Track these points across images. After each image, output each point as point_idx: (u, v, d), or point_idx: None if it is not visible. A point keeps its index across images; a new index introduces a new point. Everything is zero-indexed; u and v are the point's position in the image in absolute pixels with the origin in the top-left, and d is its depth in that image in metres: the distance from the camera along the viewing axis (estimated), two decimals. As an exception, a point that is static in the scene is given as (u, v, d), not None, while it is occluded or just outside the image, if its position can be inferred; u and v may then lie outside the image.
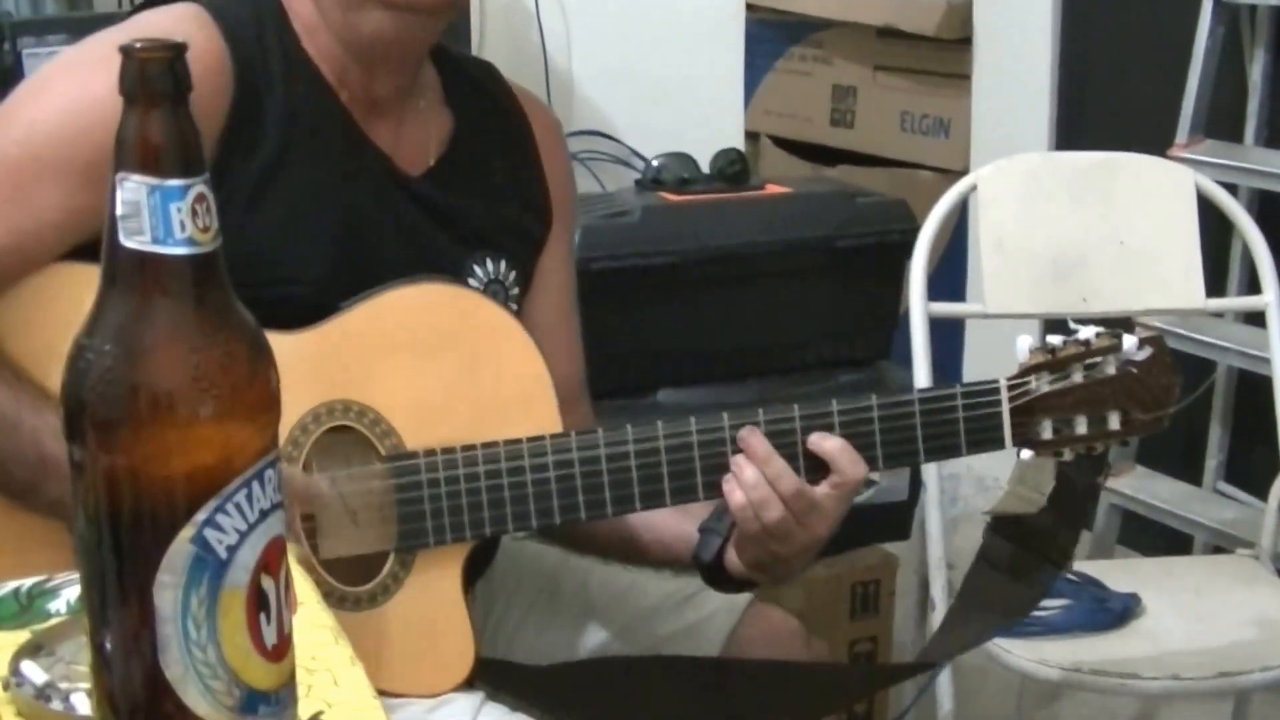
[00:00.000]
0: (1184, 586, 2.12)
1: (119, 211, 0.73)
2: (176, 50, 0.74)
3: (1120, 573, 2.12)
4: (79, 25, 2.17)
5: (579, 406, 1.66)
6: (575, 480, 1.42)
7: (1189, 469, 2.84)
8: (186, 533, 0.73)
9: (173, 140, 0.74)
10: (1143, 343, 1.47)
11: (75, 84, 1.36)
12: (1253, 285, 2.29)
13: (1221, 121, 2.75)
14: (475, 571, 1.63)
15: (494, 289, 1.55)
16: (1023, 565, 1.54)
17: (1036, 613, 1.95)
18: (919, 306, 2.16)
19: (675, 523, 1.54)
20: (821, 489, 1.43)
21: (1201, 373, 2.77)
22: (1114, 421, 1.47)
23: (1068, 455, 1.48)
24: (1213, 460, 2.86)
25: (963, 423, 1.46)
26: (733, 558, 1.49)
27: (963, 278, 3.18)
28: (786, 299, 2.43)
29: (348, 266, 1.44)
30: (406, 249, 1.49)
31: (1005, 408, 1.46)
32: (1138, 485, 2.73)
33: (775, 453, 1.42)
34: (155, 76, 0.74)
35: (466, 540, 1.43)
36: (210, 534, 0.74)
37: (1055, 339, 1.48)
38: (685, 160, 2.56)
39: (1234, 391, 2.84)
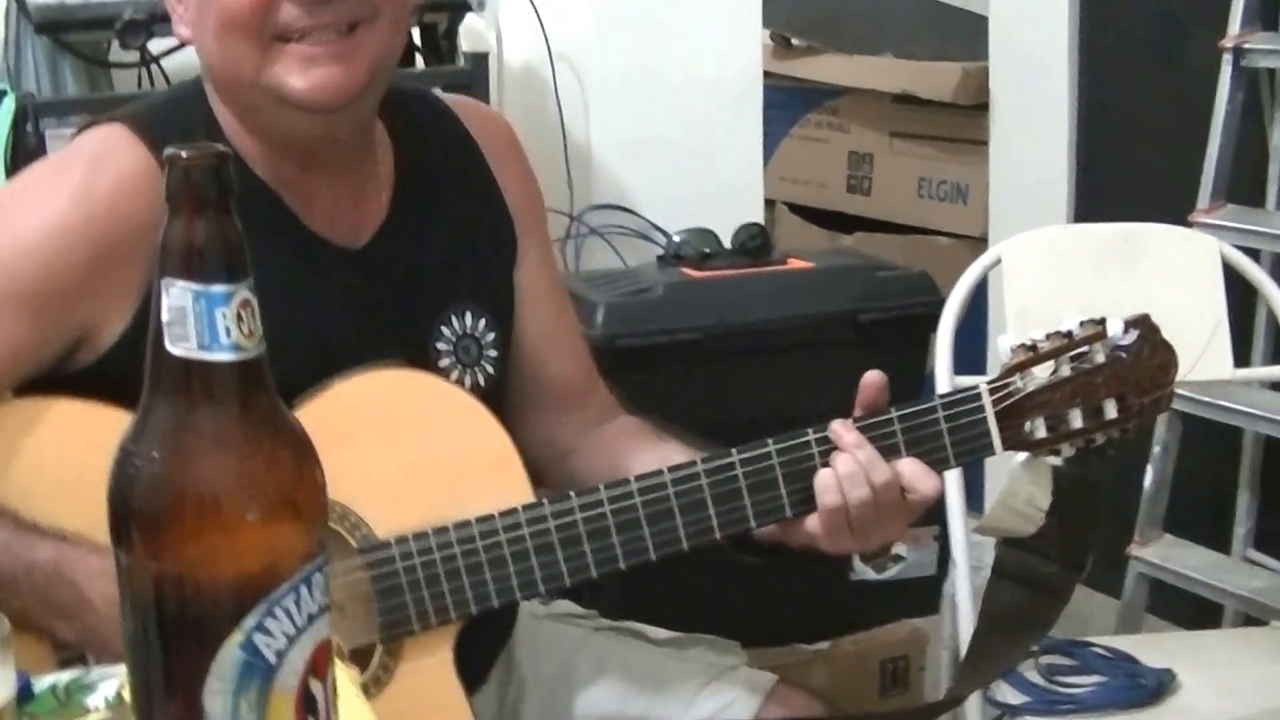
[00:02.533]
0: (1217, 661, 2.10)
1: (165, 318, 0.74)
2: (220, 156, 0.75)
3: (1152, 648, 2.10)
4: (100, 106, 2.17)
5: (594, 397, 1.67)
6: (554, 548, 1.40)
7: (1217, 537, 2.82)
8: (236, 638, 0.73)
9: (217, 245, 0.75)
10: (1128, 326, 1.44)
11: (17, 217, 1.38)
12: (1278, 349, 2.28)
13: (1242, 186, 2.74)
14: (492, 651, 1.61)
15: (466, 344, 1.54)
16: (1038, 574, 1.49)
17: (1070, 690, 1.94)
18: (945, 380, 2.15)
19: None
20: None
21: (1228, 439, 2.75)
22: (1111, 410, 1.43)
23: (1067, 452, 1.44)
24: (1241, 528, 2.83)
25: (947, 434, 1.41)
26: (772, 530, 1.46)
27: (981, 347, 3.17)
28: (810, 373, 2.43)
29: (317, 359, 1.42)
30: (366, 327, 1.48)
31: (990, 413, 1.42)
32: (1165, 554, 2.70)
33: (866, 441, 1.40)
34: (199, 183, 0.75)
35: (452, 620, 1.41)
36: (259, 639, 0.74)
37: (1037, 334, 1.44)
38: (706, 235, 2.57)
39: (1261, 458, 2.82)
